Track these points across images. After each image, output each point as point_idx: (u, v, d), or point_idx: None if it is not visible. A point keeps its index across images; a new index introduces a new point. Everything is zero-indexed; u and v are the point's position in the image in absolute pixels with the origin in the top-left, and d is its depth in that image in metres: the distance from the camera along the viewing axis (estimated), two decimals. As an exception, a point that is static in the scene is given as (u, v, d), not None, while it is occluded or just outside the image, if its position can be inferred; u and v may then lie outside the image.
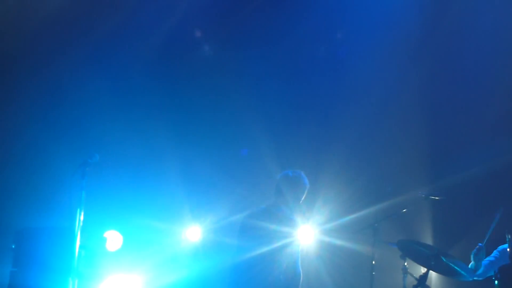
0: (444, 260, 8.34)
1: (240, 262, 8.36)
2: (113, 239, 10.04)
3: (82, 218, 7.70)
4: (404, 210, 9.75)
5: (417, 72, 11.89)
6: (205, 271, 10.50)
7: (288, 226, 8.17)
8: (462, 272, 8.44)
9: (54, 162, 10.44)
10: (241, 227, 8.45)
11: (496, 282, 8.13)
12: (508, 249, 8.22)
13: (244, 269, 8.26)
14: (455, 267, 8.41)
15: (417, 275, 8.37)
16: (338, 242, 11.07)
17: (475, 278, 9.16)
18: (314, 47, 12.23)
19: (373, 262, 9.38)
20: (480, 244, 9.11)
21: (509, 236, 8.26)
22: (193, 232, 10.86)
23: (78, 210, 7.67)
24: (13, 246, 9.07)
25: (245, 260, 8.30)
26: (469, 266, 9.01)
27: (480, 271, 9.16)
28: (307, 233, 9.60)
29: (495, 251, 9.48)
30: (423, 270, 8.42)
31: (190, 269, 10.54)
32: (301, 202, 8.49)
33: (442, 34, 11.86)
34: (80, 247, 7.91)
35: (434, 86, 11.98)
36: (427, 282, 8.32)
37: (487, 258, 9.37)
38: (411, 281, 8.66)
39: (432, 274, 9.41)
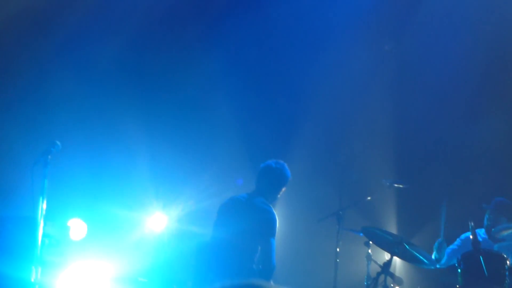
0: (408, 247, 8.41)
1: (211, 249, 8.38)
2: (77, 227, 10.00)
3: (45, 206, 7.66)
4: (369, 198, 9.81)
5: (384, 61, 11.94)
6: (171, 259, 10.48)
7: (258, 216, 8.17)
8: (425, 260, 8.52)
9: (15, 151, 10.37)
10: (217, 213, 8.46)
11: (459, 270, 8.20)
12: (471, 237, 8.28)
13: (215, 256, 8.28)
14: (418, 255, 8.49)
15: (381, 262, 8.42)
16: (302, 230, 11.11)
17: (438, 267, 9.25)
18: (279, 34, 12.21)
19: (338, 250, 9.43)
20: (438, 240, 9.21)
21: (472, 224, 8.32)
22: (158, 220, 10.82)
23: (41, 199, 7.62)
24: (-24, 236, 9.02)
25: (216, 246, 8.32)
26: (432, 256, 9.10)
27: (443, 260, 9.25)
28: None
29: (457, 239, 9.57)
30: (387, 257, 8.48)
31: (155, 257, 10.51)
32: (280, 194, 8.50)
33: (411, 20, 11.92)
34: (44, 235, 7.88)
35: (401, 75, 12.03)
36: (391, 269, 8.37)
37: (450, 247, 9.46)
38: (375, 268, 8.72)
39: (396, 261, 9.48)
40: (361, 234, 8.94)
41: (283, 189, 8.46)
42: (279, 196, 8.47)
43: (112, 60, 11.36)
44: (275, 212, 8.24)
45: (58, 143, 7.77)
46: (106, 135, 11.19)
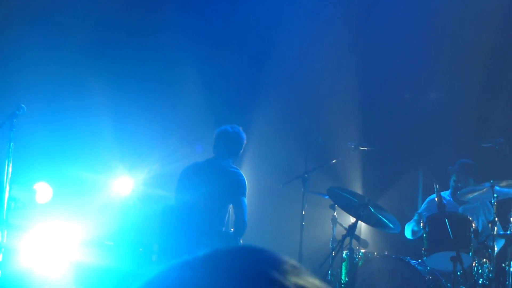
0: (373, 210, 8.47)
1: (177, 211, 8.42)
2: (42, 190, 9.96)
3: (10, 170, 7.63)
4: (334, 161, 9.84)
5: (348, 19, 11.95)
6: (137, 222, 10.49)
7: (228, 178, 8.23)
8: (390, 225, 8.59)
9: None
10: (179, 179, 8.49)
11: (424, 234, 8.29)
12: (436, 199, 8.36)
13: (181, 219, 8.31)
14: (383, 219, 8.56)
15: (346, 225, 8.47)
16: (267, 193, 11.16)
17: (411, 238, 9.31)
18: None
19: (303, 212, 9.47)
20: (418, 211, 9.27)
21: (436, 186, 8.39)
22: (124, 183, 10.81)
23: (7, 162, 7.59)
24: None
25: (182, 209, 8.36)
26: (410, 228, 9.16)
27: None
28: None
29: (424, 202, 9.66)
30: (352, 220, 8.54)
31: (121, 220, 10.51)
32: (237, 157, 8.59)
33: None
34: (9, 199, 7.85)
35: (367, 32, 12.05)
36: (357, 232, 8.44)
37: (418, 211, 9.53)
38: (340, 230, 8.77)
39: (361, 224, 9.54)
40: (327, 196, 8.99)
41: (241, 151, 8.55)
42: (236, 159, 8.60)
43: (77, 20, 11.25)
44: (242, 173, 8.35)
45: (24, 106, 7.73)
46: (71, 97, 11.11)
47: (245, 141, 8.56)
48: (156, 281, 1.76)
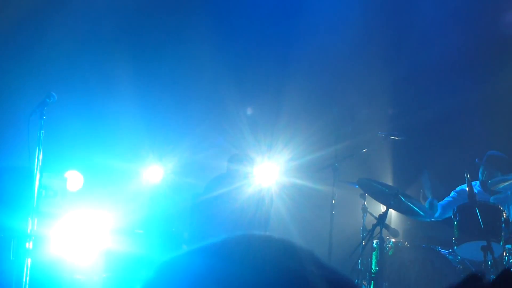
0: (403, 199, 8.44)
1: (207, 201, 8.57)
2: (73, 178, 10.02)
3: (41, 158, 7.66)
4: (364, 150, 9.81)
5: (380, 15, 11.89)
6: (167, 210, 10.53)
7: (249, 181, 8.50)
8: (421, 212, 8.55)
9: (11, 103, 10.35)
10: (209, 184, 8.74)
11: (454, 222, 8.23)
12: (467, 189, 8.30)
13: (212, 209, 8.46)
14: (414, 207, 8.52)
15: (376, 214, 8.44)
16: (298, 181, 11.13)
17: (432, 219, 9.28)
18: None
19: (333, 201, 9.44)
20: (429, 199, 9.19)
21: (467, 176, 8.34)
22: (154, 172, 10.85)
23: (37, 150, 7.62)
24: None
25: (212, 199, 8.51)
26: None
27: (438, 212, 9.27)
28: (270, 173, 9.78)
29: (452, 192, 9.59)
30: (382, 209, 8.51)
31: (151, 209, 10.55)
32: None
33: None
34: (40, 186, 7.89)
35: (396, 28, 11.99)
36: (387, 221, 8.41)
37: (445, 199, 9.48)
38: (370, 220, 8.75)
39: (392, 213, 9.51)
40: (357, 186, 8.96)
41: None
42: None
43: (106, 12, 11.29)
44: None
45: (54, 94, 7.75)
46: (102, 86, 11.17)
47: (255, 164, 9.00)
48: (176, 265, 1.76)
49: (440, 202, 9.33)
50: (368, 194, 8.93)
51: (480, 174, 9.46)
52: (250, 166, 9.01)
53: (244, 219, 8.32)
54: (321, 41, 11.89)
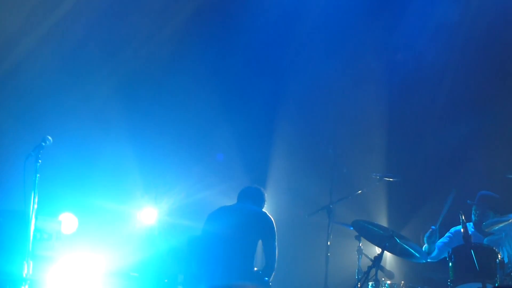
0: (398, 241, 8.43)
1: (204, 243, 8.50)
2: (68, 221, 10.00)
3: (36, 201, 7.66)
4: (359, 192, 9.83)
5: (373, 55, 11.95)
6: (162, 252, 10.49)
7: (257, 218, 8.38)
8: (416, 254, 8.53)
9: (6, 146, 10.37)
10: (208, 218, 8.65)
11: (450, 264, 8.21)
12: (461, 230, 8.30)
13: (208, 251, 8.40)
14: (409, 249, 8.50)
15: (372, 256, 8.42)
16: (292, 224, 11.14)
17: (429, 260, 9.26)
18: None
19: (328, 243, 9.44)
20: (433, 227, 9.21)
21: (462, 217, 8.35)
22: (148, 213, 10.83)
23: (33, 193, 7.62)
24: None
25: (210, 241, 8.45)
26: (423, 248, 9.10)
27: (434, 253, 9.27)
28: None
29: (447, 233, 9.58)
30: (377, 251, 8.50)
31: (146, 251, 10.51)
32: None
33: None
34: (35, 230, 7.87)
35: (392, 67, 12.04)
36: (382, 263, 8.39)
37: (441, 240, 9.47)
38: (366, 261, 8.73)
39: (387, 255, 9.49)
40: (351, 228, 8.96)
41: (263, 206, 8.90)
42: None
43: (101, 54, 11.34)
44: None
45: (50, 138, 7.79)
46: (96, 129, 11.18)
47: (266, 198, 8.91)
48: None
49: (436, 243, 9.32)
50: (362, 237, 8.92)
51: (472, 215, 9.46)
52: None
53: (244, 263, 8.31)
54: (315, 81, 11.94)
